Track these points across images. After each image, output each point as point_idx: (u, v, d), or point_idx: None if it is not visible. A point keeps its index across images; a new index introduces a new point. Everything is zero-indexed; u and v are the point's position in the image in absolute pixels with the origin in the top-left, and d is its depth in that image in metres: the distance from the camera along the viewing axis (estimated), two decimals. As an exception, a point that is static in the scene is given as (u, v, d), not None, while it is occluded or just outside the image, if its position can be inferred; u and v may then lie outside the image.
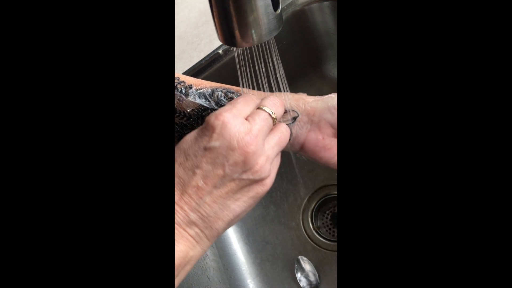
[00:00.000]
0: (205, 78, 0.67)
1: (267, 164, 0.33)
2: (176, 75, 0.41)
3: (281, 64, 0.34)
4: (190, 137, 0.34)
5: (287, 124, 0.38)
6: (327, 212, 0.65)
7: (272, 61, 0.34)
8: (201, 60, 0.66)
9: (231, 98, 0.39)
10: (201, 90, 0.40)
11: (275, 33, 0.30)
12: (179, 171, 0.33)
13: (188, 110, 0.40)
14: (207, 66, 0.65)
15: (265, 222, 0.66)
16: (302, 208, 0.66)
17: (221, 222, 0.33)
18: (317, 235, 0.63)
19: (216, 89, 0.40)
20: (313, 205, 0.65)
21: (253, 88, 0.38)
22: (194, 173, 0.32)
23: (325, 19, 0.65)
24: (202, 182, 0.32)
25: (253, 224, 0.67)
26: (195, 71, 0.65)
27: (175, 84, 0.40)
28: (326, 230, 0.64)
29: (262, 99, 0.36)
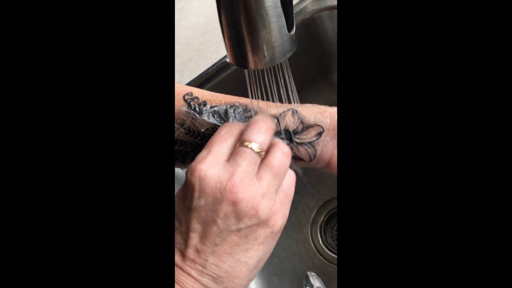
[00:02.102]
0: (213, 87, 0.65)
1: (264, 202, 0.30)
2: (189, 89, 0.39)
3: (292, 78, 0.33)
4: (177, 197, 0.31)
5: (311, 142, 0.36)
6: (337, 225, 0.63)
7: (284, 80, 0.33)
8: (208, 69, 0.65)
9: (248, 117, 0.37)
10: (215, 108, 0.38)
11: (289, 55, 0.28)
12: (177, 237, 0.30)
13: (202, 130, 0.37)
14: (214, 75, 0.64)
15: (273, 234, 0.65)
16: (311, 220, 0.64)
17: (237, 279, 0.30)
18: (327, 250, 0.62)
19: (230, 106, 0.38)
20: (322, 218, 0.64)
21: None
22: (189, 236, 0.30)
23: (334, 27, 0.64)
24: (200, 243, 0.30)
25: (261, 236, 0.65)
26: (202, 80, 0.64)
27: (188, 100, 0.38)
28: (336, 244, 0.62)
29: (246, 127, 0.33)
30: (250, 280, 0.32)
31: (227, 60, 0.64)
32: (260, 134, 0.31)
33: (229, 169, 0.30)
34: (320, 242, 0.63)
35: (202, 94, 0.39)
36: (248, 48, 0.27)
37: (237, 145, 0.31)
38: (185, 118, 0.38)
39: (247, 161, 0.30)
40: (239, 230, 0.30)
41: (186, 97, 0.38)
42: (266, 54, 0.27)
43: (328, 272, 0.61)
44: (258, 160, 0.31)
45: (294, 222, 0.65)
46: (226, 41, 0.28)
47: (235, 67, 0.66)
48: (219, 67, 0.64)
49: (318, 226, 0.64)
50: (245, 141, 0.31)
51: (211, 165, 0.30)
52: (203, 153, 0.31)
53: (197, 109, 0.38)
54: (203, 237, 0.30)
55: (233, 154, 0.31)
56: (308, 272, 0.60)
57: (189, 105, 0.38)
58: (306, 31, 0.64)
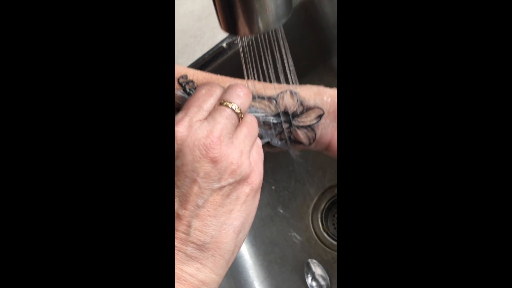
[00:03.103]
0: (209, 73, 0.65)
1: (243, 159, 0.29)
2: (184, 71, 0.38)
3: (290, 56, 0.31)
4: None
5: (311, 125, 0.34)
6: (337, 208, 0.62)
7: (280, 53, 0.31)
8: (204, 55, 0.64)
9: None
10: None
11: (283, 20, 0.27)
12: None
13: None
14: (210, 61, 0.63)
15: (273, 223, 0.64)
16: (311, 208, 0.63)
17: (224, 245, 0.29)
18: (328, 237, 0.61)
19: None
20: (323, 205, 0.63)
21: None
22: None
23: (334, 10, 0.63)
24: (180, 208, 0.28)
25: (260, 225, 0.64)
26: (198, 66, 0.63)
27: (183, 84, 0.37)
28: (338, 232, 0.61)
29: (225, 90, 0.32)
30: (238, 246, 0.30)
31: (224, 45, 0.63)
32: (240, 97, 0.31)
33: (207, 126, 0.29)
34: (321, 229, 0.62)
35: (197, 76, 0.38)
36: (239, 12, 0.26)
37: (217, 105, 0.31)
38: (180, 103, 0.37)
39: (226, 120, 0.30)
40: (220, 188, 0.28)
41: (181, 80, 0.37)
42: (259, 18, 0.26)
43: (329, 260, 0.59)
44: (237, 121, 0.31)
45: (294, 210, 0.64)
46: (216, 6, 0.27)
47: (231, 52, 0.65)
48: (215, 53, 0.63)
49: (319, 213, 0.62)
50: (225, 101, 0.31)
51: (187, 126, 0.29)
52: (179, 115, 0.30)
53: (192, 93, 0.36)
54: (184, 200, 0.28)
55: (211, 112, 0.30)
56: (309, 260, 0.59)
57: (183, 88, 0.37)
58: (305, 14, 0.63)
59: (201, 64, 0.63)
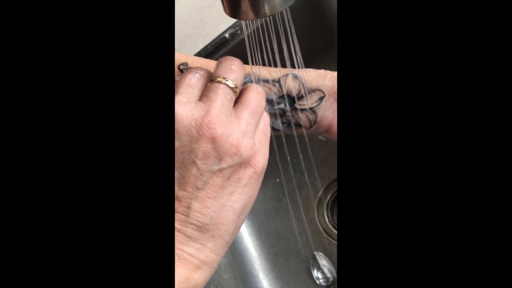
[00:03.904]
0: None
1: (245, 140, 0.28)
2: (184, 58, 0.37)
3: (296, 40, 0.30)
4: None
5: (312, 107, 0.34)
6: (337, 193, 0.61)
7: (286, 38, 0.30)
8: (206, 46, 0.63)
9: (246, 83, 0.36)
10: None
11: (290, 3, 0.26)
12: None
13: None
14: (213, 52, 0.62)
15: (278, 216, 0.63)
16: (317, 200, 0.62)
17: (223, 226, 0.28)
18: (334, 229, 0.60)
19: None
20: (328, 197, 0.62)
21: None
22: None
23: (338, -2, 0.61)
24: (179, 190, 0.27)
25: (265, 218, 0.64)
26: (201, 57, 0.62)
27: (183, 70, 0.36)
28: (343, 224, 0.60)
29: (216, 65, 0.31)
30: (237, 227, 0.29)
31: (226, 35, 0.62)
32: (232, 71, 0.29)
33: (203, 106, 0.28)
34: (327, 221, 0.61)
35: (197, 63, 0.37)
36: (245, -6, 0.25)
37: (209, 83, 0.29)
38: None
39: (222, 96, 0.28)
40: (221, 170, 0.27)
41: (181, 67, 0.37)
42: (265, 1, 0.25)
43: (335, 252, 0.59)
44: (233, 96, 0.29)
45: (300, 203, 0.63)
46: (220, -11, 0.26)
47: (234, 42, 0.64)
48: (217, 44, 0.62)
49: (325, 205, 0.62)
50: (218, 77, 0.29)
51: (181, 105, 0.27)
52: None
53: None
54: (183, 182, 0.27)
55: (205, 91, 0.29)
56: (315, 252, 0.58)
57: None
58: (309, 2, 0.62)
59: (204, 55, 0.62)
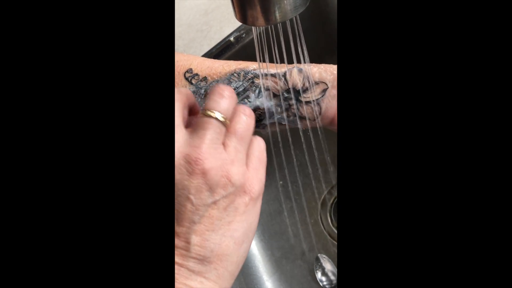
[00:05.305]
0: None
1: (235, 168, 0.28)
2: (188, 63, 0.37)
3: (304, 43, 0.31)
4: None
5: (316, 99, 0.34)
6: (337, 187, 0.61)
7: (295, 42, 0.31)
8: (211, 49, 0.63)
9: (252, 80, 0.36)
10: (217, 82, 0.37)
11: (301, 9, 0.26)
12: None
13: None
14: (218, 55, 0.62)
15: (281, 218, 0.64)
16: (320, 203, 0.62)
17: (225, 257, 0.28)
18: (337, 232, 0.60)
19: (231, 74, 0.36)
20: (332, 200, 0.62)
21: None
22: None
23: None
24: (178, 226, 0.27)
25: (269, 220, 0.64)
26: (206, 60, 0.63)
27: (189, 78, 0.37)
28: (346, 226, 0.60)
29: (206, 95, 0.31)
30: (242, 256, 0.29)
31: (231, 39, 0.62)
32: (223, 101, 0.29)
33: (192, 142, 0.28)
34: (330, 224, 0.61)
35: (201, 67, 0.37)
36: (257, 1, 0.25)
37: (200, 115, 0.29)
38: (199, 99, 0.37)
39: (211, 131, 0.28)
40: (215, 202, 0.28)
41: (187, 74, 0.37)
42: (276, 8, 0.25)
43: (339, 254, 0.59)
44: (223, 129, 0.29)
45: (303, 205, 0.63)
46: (232, -4, 0.26)
47: (239, 46, 0.64)
48: (222, 47, 0.62)
49: (328, 208, 0.62)
50: (208, 110, 0.29)
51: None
52: None
53: (201, 91, 0.36)
54: (179, 218, 0.27)
55: (195, 126, 0.29)
56: (319, 255, 0.58)
57: (190, 83, 0.37)
58: (314, 6, 0.62)
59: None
